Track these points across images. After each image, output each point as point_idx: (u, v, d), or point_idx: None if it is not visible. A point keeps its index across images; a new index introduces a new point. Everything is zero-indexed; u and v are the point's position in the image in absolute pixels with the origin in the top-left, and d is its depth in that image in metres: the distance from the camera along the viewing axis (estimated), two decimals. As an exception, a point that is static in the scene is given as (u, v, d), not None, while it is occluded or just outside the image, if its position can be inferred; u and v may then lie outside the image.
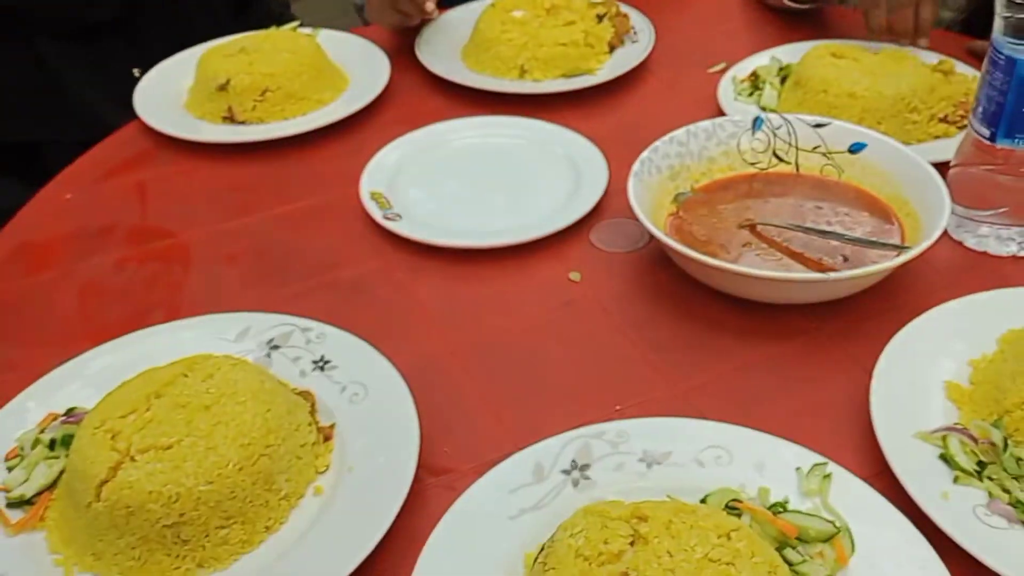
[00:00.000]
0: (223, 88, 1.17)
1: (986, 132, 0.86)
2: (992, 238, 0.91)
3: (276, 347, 0.82)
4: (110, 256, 1.02)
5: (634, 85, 1.26)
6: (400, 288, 0.94)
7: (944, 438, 0.68)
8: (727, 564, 0.56)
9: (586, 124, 1.17)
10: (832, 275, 0.79)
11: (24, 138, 1.41)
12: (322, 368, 0.80)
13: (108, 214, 1.10)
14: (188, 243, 1.03)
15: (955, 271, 0.90)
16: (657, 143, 0.97)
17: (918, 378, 0.74)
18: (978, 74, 1.11)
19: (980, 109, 0.87)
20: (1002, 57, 0.83)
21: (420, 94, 1.28)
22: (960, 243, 0.93)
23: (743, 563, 0.56)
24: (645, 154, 0.95)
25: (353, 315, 0.90)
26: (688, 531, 0.58)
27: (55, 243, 1.06)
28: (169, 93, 1.25)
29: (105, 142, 1.24)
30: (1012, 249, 0.91)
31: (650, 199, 0.94)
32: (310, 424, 0.74)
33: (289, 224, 1.05)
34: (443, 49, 1.34)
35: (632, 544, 0.58)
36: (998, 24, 0.83)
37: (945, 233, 0.94)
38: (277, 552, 0.67)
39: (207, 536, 0.66)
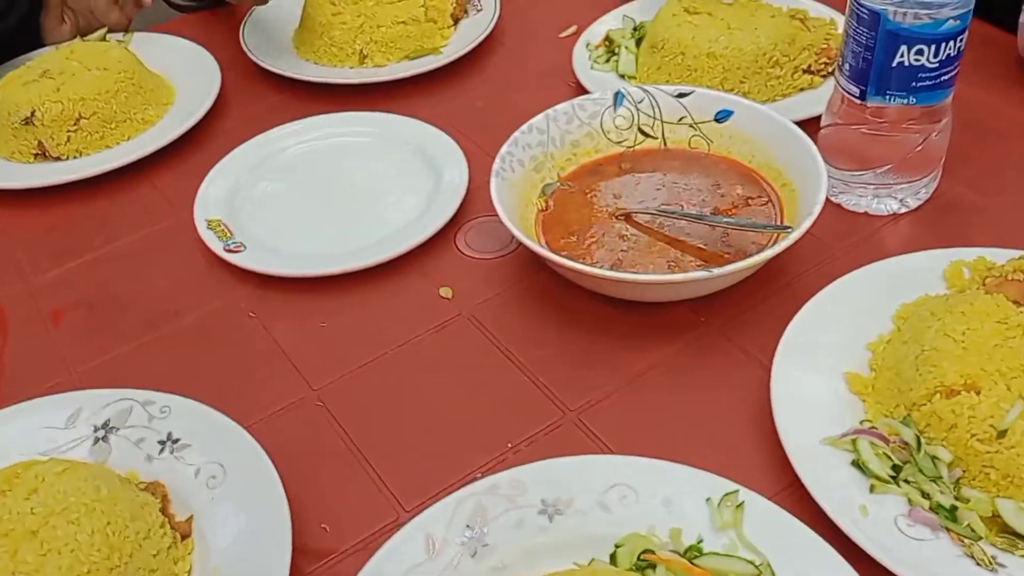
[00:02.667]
0: (29, 121, 1.02)
1: (855, 90, 0.82)
2: (870, 198, 0.88)
3: (114, 429, 0.72)
4: (-90, 331, 0.89)
5: (483, 60, 1.17)
6: (251, 330, 0.84)
7: (854, 442, 0.64)
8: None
9: (437, 111, 1.08)
10: (716, 271, 0.73)
11: None
12: (171, 450, 0.70)
13: (-97, 279, 0.95)
14: (3, 304, 0.90)
15: (834, 237, 0.86)
16: (516, 134, 0.89)
17: (817, 372, 0.70)
18: (834, 16, 1.08)
19: (847, 66, 0.82)
20: (865, 11, 0.78)
21: (253, 92, 1.16)
22: (837, 204, 0.89)
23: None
24: (505, 148, 0.87)
25: (201, 371, 0.81)
26: (603, 607, 0.52)
27: None
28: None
29: None
30: (893, 207, 0.87)
31: (516, 196, 0.87)
32: (163, 525, 0.64)
33: (119, 266, 0.93)
34: (272, 36, 1.22)
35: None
36: (859, -24, 0.78)
37: (823, 196, 0.91)
38: None
39: None
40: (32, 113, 1.03)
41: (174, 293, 0.89)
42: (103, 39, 1.20)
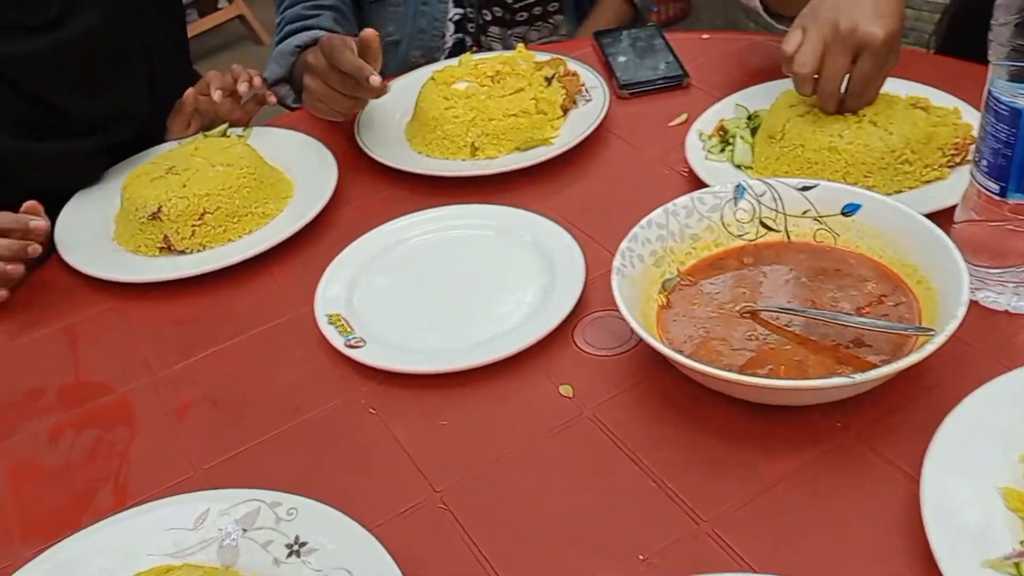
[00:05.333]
0: (155, 217, 1.06)
1: (995, 187, 0.79)
2: (1010, 295, 0.84)
3: (243, 531, 0.72)
4: (43, 424, 0.91)
5: (594, 150, 1.18)
6: (372, 427, 0.84)
7: (1017, 565, 0.60)
8: None
9: (550, 202, 1.08)
10: (859, 377, 0.70)
11: None
12: (298, 553, 0.70)
13: (35, 373, 0.98)
14: (130, 398, 0.92)
15: (974, 337, 0.82)
16: (635, 229, 0.88)
17: (971, 488, 0.66)
18: (956, 104, 1.05)
19: (984, 163, 0.79)
20: (1004, 108, 0.75)
21: (367, 185, 1.18)
22: (975, 302, 0.85)
23: None
24: (625, 244, 0.87)
25: (324, 469, 0.80)
26: None
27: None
28: (91, 222, 1.14)
29: (25, 286, 1.10)
30: (1033, 305, 0.84)
31: (636, 293, 0.85)
32: (293, 634, 0.64)
33: (241, 361, 0.94)
34: (385, 130, 1.24)
35: None
36: (996, 71, 0.76)
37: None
38: None
39: None
40: (159, 208, 1.06)
41: (296, 388, 0.89)
42: (224, 134, 1.25)
